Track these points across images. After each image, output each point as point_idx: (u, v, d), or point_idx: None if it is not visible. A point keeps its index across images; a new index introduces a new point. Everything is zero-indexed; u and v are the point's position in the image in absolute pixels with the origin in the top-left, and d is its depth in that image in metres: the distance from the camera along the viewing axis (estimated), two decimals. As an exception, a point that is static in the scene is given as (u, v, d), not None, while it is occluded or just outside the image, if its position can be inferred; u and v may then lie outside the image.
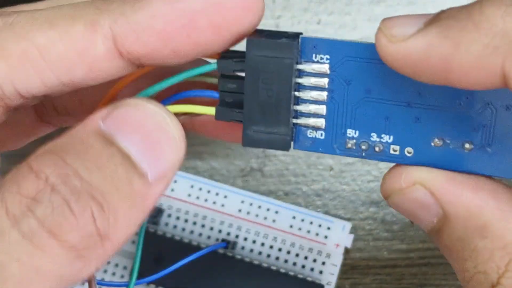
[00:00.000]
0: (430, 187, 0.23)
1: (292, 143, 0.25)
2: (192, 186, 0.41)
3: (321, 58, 0.24)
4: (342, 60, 0.24)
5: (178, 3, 0.23)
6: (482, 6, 0.20)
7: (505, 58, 0.20)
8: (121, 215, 0.21)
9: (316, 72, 0.24)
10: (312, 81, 0.24)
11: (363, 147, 0.24)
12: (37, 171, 0.20)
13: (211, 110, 0.24)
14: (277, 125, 0.24)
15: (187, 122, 0.26)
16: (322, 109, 0.24)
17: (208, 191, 0.41)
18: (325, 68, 0.24)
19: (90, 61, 0.23)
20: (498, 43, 0.20)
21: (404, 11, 0.44)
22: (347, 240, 0.40)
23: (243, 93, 0.24)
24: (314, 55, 0.24)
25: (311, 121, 0.24)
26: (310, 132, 0.25)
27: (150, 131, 0.22)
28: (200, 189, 0.41)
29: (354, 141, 0.24)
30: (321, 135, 0.24)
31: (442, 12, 0.21)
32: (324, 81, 0.24)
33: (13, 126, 0.27)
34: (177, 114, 0.25)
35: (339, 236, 0.40)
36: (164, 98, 0.26)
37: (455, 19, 0.20)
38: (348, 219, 0.41)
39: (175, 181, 0.42)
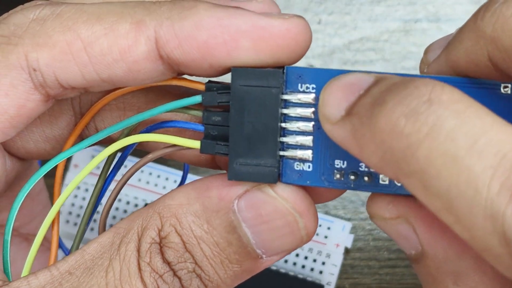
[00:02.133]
0: (413, 224, 0.23)
1: (279, 176, 0.24)
2: (174, 181, 0.42)
3: (307, 88, 0.24)
4: None
5: (224, 19, 0.23)
6: (380, 113, 0.20)
7: (395, 171, 0.20)
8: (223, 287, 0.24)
9: (302, 102, 0.24)
10: (298, 111, 0.24)
11: (352, 177, 0.23)
12: (163, 252, 0.24)
13: (195, 144, 0.24)
14: (264, 157, 0.23)
15: (169, 154, 0.26)
16: (309, 140, 0.24)
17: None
18: (311, 97, 0.23)
19: (131, 60, 0.24)
20: (390, 158, 0.20)
21: (404, 11, 0.44)
22: (347, 240, 0.40)
23: (228, 126, 0.24)
24: (299, 85, 0.24)
25: (299, 153, 0.24)
26: (298, 164, 0.24)
27: (278, 227, 0.24)
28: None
29: (343, 171, 0.24)
30: (309, 167, 0.24)
31: (359, 101, 0.21)
32: (310, 111, 0.24)
33: (51, 122, 0.27)
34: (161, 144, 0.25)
35: (339, 236, 0.40)
36: (147, 126, 0.26)
37: (361, 121, 0.21)
38: (348, 219, 0.42)
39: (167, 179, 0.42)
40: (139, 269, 0.23)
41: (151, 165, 0.42)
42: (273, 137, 0.24)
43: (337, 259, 0.40)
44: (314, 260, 0.40)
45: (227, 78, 0.24)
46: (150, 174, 0.42)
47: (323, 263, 0.40)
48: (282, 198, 0.24)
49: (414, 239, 0.23)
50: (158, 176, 0.42)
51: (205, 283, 0.24)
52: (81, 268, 0.24)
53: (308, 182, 0.24)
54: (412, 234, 0.23)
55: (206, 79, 0.25)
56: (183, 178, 0.32)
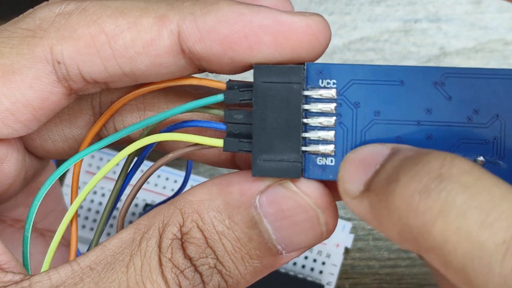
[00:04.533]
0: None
1: (301, 172, 0.24)
2: (175, 181, 0.42)
3: (328, 83, 0.24)
4: (348, 84, 0.24)
5: (246, 15, 0.23)
6: (395, 190, 0.21)
7: (415, 246, 0.21)
8: (243, 284, 0.24)
9: (323, 98, 0.24)
10: (320, 107, 0.24)
11: None
12: (185, 248, 0.24)
13: (218, 142, 0.24)
14: (287, 152, 0.24)
15: (188, 154, 0.26)
16: (331, 135, 0.24)
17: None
18: (332, 93, 0.24)
19: (153, 54, 0.24)
20: (408, 234, 0.20)
21: (404, 11, 0.44)
22: (347, 240, 0.40)
23: (250, 124, 0.24)
24: (320, 81, 0.24)
25: (321, 148, 0.24)
26: (320, 159, 0.24)
27: (299, 222, 0.24)
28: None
29: None
30: (331, 161, 0.24)
31: (375, 177, 0.22)
32: (332, 106, 0.24)
33: (70, 121, 0.28)
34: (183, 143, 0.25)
35: (339, 236, 0.40)
36: (167, 126, 0.26)
37: (378, 198, 0.21)
38: (348, 219, 0.42)
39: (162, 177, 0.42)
40: (160, 264, 0.23)
41: (151, 165, 0.42)
42: (295, 132, 0.24)
43: (337, 259, 0.40)
44: (314, 260, 0.40)
45: (245, 78, 0.25)
46: (150, 174, 0.42)
47: (323, 263, 0.40)
48: (304, 193, 0.24)
49: None
50: (158, 176, 0.42)
51: (226, 279, 0.24)
52: (102, 263, 0.24)
53: (331, 176, 0.24)
54: None
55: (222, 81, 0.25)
56: (186, 178, 0.32)
